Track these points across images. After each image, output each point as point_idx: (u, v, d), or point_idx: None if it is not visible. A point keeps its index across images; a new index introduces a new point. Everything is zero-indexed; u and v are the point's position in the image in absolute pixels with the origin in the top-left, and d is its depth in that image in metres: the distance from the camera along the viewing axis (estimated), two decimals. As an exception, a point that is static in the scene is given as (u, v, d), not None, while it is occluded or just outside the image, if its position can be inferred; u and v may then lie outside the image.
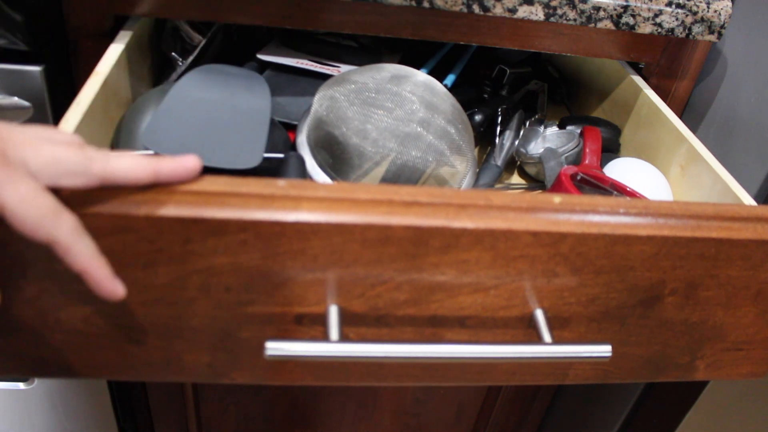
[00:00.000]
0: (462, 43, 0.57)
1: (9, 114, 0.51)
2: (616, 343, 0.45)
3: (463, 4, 0.52)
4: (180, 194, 0.33)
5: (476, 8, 0.53)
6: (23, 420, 0.79)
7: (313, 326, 0.39)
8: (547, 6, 0.53)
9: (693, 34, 0.56)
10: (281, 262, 0.35)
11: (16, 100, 0.51)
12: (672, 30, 0.56)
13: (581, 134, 0.61)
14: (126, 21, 0.55)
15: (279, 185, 0.34)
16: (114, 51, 0.51)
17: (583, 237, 0.37)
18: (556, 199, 0.38)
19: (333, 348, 0.35)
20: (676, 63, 0.61)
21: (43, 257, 0.33)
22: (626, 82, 0.64)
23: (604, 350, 0.39)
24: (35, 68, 0.50)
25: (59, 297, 0.36)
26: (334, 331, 0.36)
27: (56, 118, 0.52)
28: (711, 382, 0.65)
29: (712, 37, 0.57)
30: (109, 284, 0.31)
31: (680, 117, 0.65)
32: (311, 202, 0.34)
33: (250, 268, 0.36)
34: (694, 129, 0.65)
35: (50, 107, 0.52)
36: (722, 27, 0.56)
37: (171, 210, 0.32)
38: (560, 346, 0.38)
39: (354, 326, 0.39)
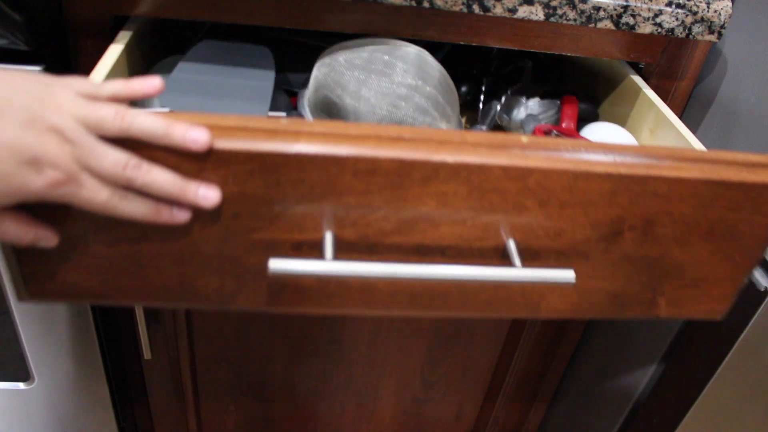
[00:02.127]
0: (462, 43, 0.58)
1: None
2: (583, 276, 0.48)
3: (463, 4, 0.53)
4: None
5: (476, 8, 0.53)
6: (23, 420, 0.81)
7: (311, 252, 0.43)
8: (547, 6, 0.54)
9: (693, 34, 0.57)
10: (283, 191, 0.40)
11: None
12: (672, 30, 0.57)
13: (561, 103, 0.65)
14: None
15: (282, 122, 0.39)
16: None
17: (548, 172, 0.42)
18: (524, 138, 0.42)
19: (328, 266, 0.40)
20: (676, 63, 0.62)
21: None
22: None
23: (568, 276, 0.44)
24: (35, 68, 0.50)
25: (88, 224, 0.41)
26: (329, 253, 0.41)
27: None
28: (711, 382, 0.65)
29: (712, 37, 0.57)
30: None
31: (680, 117, 0.67)
32: (309, 136, 0.39)
33: (255, 196, 0.40)
34: (694, 129, 0.67)
35: None
36: (722, 27, 0.57)
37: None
38: (528, 270, 0.43)
39: (347, 253, 0.43)
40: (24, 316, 0.66)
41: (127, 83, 0.37)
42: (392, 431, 1.02)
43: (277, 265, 0.40)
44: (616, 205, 0.45)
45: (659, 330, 0.72)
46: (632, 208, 0.46)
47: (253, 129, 0.38)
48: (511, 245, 0.45)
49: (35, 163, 0.33)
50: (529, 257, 0.46)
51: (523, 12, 0.54)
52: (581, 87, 0.78)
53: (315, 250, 0.43)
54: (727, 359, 0.59)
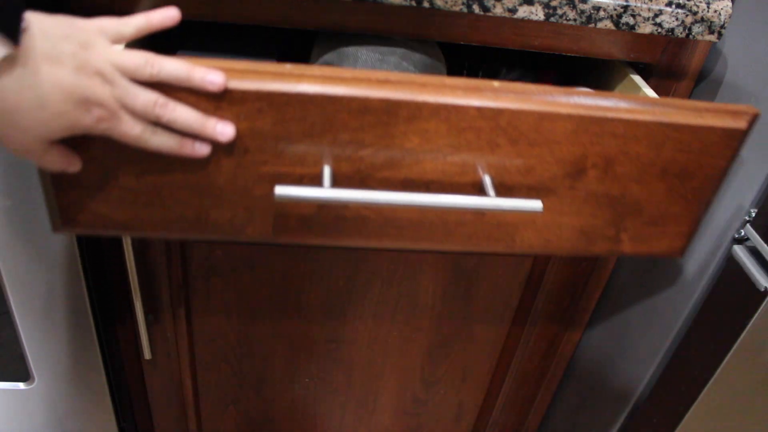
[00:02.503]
0: (462, 43, 0.59)
1: None
2: (553, 212, 0.55)
3: (463, 4, 0.54)
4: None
5: (476, 8, 0.54)
6: (23, 420, 0.81)
7: (311, 184, 0.50)
8: (547, 6, 0.55)
9: (693, 34, 0.58)
10: (287, 127, 0.47)
11: None
12: (672, 30, 0.57)
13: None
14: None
15: (287, 67, 0.46)
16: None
17: (517, 112, 0.48)
18: (496, 84, 0.49)
19: (326, 192, 0.47)
20: (676, 63, 0.63)
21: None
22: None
23: (536, 205, 0.50)
24: None
25: (118, 157, 0.47)
26: (326, 183, 0.48)
27: None
28: (711, 382, 0.67)
29: (712, 37, 0.58)
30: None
31: None
32: (310, 78, 0.46)
33: (263, 132, 0.47)
34: None
35: None
36: (722, 27, 0.57)
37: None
38: (501, 199, 0.50)
39: (342, 186, 0.50)
40: (24, 316, 0.66)
41: (148, 18, 0.44)
42: (392, 431, 1.02)
43: (282, 191, 0.46)
44: (579, 144, 0.51)
45: (659, 330, 0.72)
46: (593, 147, 0.52)
47: (262, 72, 0.45)
48: (487, 180, 0.51)
49: (85, 102, 0.39)
50: (503, 192, 0.53)
51: (523, 12, 0.55)
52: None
53: (315, 182, 0.50)
54: (727, 359, 0.59)
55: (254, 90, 0.45)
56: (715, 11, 0.56)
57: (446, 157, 0.50)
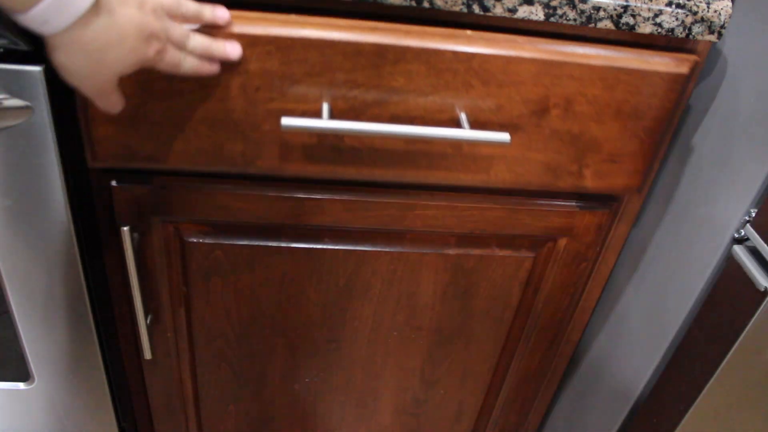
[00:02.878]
0: None
1: (9, 114, 0.53)
2: (522, 148, 0.63)
3: (463, 4, 0.55)
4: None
5: (476, 8, 0.56)
6: (23, 420, 0.81)
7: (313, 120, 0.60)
8: (547, 6, 0.56)
9: (693, 34, 0.58)
10: (292, 67, 0.57)
11: (16, 100, 0.53)
12: (672, 30, 0.58)
13: None
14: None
15: (291, 16, 0.56)
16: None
17: (487, 56, 0.57)
18: (469, 32, 0.57)
19: (326, 123, 0.56)
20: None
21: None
22: None
23: (504, 137, 0.58)
24: (35, 68, 0.52)
25: (146, 94, 0.56)
26: (325, 117, 0.57)
27: (56, 118, 0.56)
28: (711, 382, 0.64)
29: (712, 37, 0.59)
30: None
31: (680, 117, 0.70)
32: (312, 24, 0.56)
33: (272, 72, 0.57)
34: (694, 129, 0.70)
35: (50, 107, 0.55)
36: (722, 27, 0.58)
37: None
38: (475, 131, 0.57)
39: (339, 121, 0.59)
40: (24, 316, 0.66)
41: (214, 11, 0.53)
42: (392, 431, 1.02)
43: (288, 122, 0.55)
44: (541, 86, 0.59)
45: (659, 330, 0.72)
46: (554, 88, 0.60)
47: (270, 19, 0.55)
48: (463, 117, 0.59)
49: (149, 37, 0.45)
50: (477, 127, 0.60)
51: (523, 12, 0.56)
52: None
53: (315, 117, 0.58)
54: (727, 359, 0.59)
55: (264, 34, 0.55)
56: (715, 11, 0.57)
57: (427, 96, 0.59)
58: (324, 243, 0.73)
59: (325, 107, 0.58)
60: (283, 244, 0.72)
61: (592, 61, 0.58)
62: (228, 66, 0.56)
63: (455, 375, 0.97)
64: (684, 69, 0.60)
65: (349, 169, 0.62)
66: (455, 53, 0.57)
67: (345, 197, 0.67)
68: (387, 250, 0.75)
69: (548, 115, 0.61)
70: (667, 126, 0.63)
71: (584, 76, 0.59)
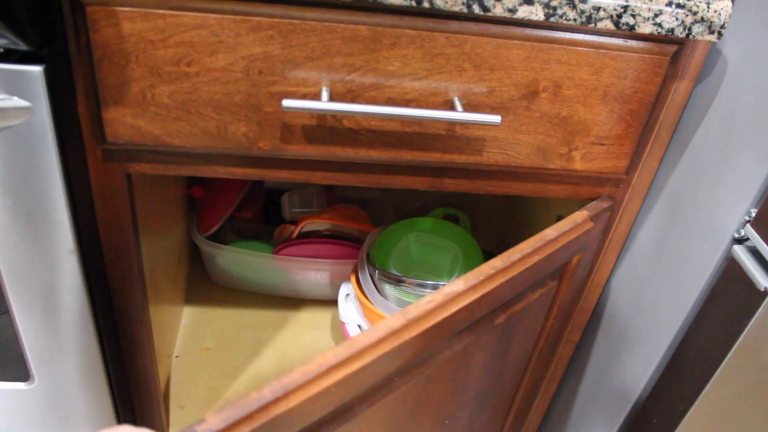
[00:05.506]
0: None
1: (9, 114, 0.53)
2: (512, 130, 0.65)
3: (463, 4, 0.56)
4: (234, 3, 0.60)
5: (476, 8, 0.56)
6: (23, 420, 0.81)
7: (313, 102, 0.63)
8: (547, 6, 0.56)
9: (693, 34, 0.59)
10: (293, 52, 0.60)
11: (16, 100, 0.53)
12: (672, 30, 0.59)
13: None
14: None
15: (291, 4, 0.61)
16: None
17: (478, 41, 0.60)
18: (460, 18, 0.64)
19: (325, 105, 0.59)
20: (675, 63, 0.65)
21: (148, 47, 0.56)
22: None
23: (495, 119, 0.60)
24: (35, 68, 0.52)
25: (154, 78, 0.59)
26: (324, 98, 0.60)
27: (56, 118, 0.57)
28: (711, 382, 0.64)
29: (712, 37, 0.59)
30: None
31: (680, 117, 0.71)
32: (312, 10, 0.58)
33: (274, 56, 0.60)
34: (693, 129, 0.71)
35: (50, 107, 0.55)
36: (722, 27, 0.59)
37: (228, 9, 0.58)
38: (467, 113, 0.60)
39: (338, 103, 0.62)
40: (24, 316, 0.66)
41: None
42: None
43: (289, 103, 0.58)
44: (531, 69, 0.62)
45: (659, 330, 0.72)
46: (543, 72, 0.62)
47: (273, 5, 0.59)
48: (456, 100, 0.62)
49: None
50: (470, 110, 0.63)
51: (523, 12, 0.57)
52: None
53: (315, 99, 0.61)
54: (727, 359, 0.59)
55: (267, 20, 0.58)
56: (715, 11, 0.58)
57: (422, 80, 0.62)
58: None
59: (325, 90, 0.61)
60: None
61: (579, 46, 0.61)
62: (233, 50, 0.59)
63: (455, 375, 0.97)
64: (667, 52, 0.61)
65: (346, 150, 0.65)
66: (447, 37, 0.60)
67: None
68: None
69: (538, 98, 0.64)
70: (652, 109, 0.66)
71: (571, 60, 0.62)
